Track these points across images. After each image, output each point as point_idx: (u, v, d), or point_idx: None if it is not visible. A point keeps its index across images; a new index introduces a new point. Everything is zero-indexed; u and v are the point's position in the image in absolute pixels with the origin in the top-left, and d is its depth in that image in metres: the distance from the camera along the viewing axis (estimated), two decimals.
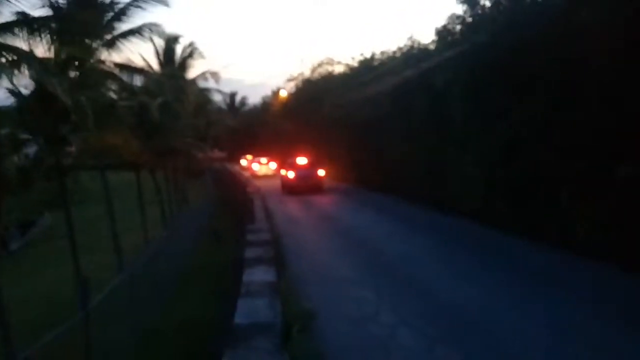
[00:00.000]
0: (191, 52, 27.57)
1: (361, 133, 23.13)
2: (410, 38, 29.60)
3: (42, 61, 10.99)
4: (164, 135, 20.83)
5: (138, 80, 18.92)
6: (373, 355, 5.79)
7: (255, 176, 39.36)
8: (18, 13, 10.46)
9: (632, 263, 7.92)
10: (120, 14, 15.09)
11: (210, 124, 35.80)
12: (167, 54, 27.04)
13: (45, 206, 29.09)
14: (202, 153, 33.24)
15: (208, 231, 19.93)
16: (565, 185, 9.76)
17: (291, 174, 24.53)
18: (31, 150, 14.14)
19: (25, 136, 13.58)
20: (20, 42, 10.60)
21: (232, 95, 71.49)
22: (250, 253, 9.40)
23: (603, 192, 8.82)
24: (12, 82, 10.82)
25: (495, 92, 11.87)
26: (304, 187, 23.54)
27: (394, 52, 28.37)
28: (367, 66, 29.31)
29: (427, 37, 27.64)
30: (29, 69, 9.97)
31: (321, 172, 24.57)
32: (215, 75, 28.34)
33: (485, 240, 11.49)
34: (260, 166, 41.94)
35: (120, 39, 15.02)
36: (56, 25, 11.89)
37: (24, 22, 10.66)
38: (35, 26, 10.97)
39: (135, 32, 15.38)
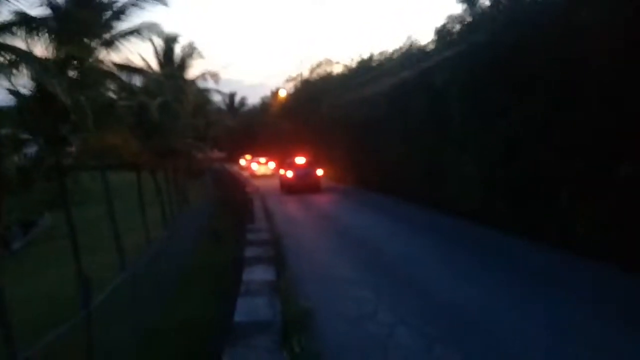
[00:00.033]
0: (190, 52, 27.64)
1: (360, 133, 23.11)
2: (409, 38, 29.66)
3: (41, 61, 10.97)
4: (164, 135, 20.85)
5: (137, 80, 18.99)
6: (371, 355, 5.77)
7: (254, 176, 39.45)
8: (16, 12, 10.46)
9: (632, 263, 7.93)
10: (119, 13, 15.10)
11: (209, 124, 35.85)
12: (166, 53, 27.10)
13: (46, 206, 29.09)
14: (202, 153, 33.31)
15: (208, 231, 19.95)
16: (565, 185, 9.75)
17: (290, 174, 24.73)
18: (31, 150, 14.13)
19: (25, 136, 13.56)
20: (18, 41, 10.63)
21: (232, 96, 71.81)
22: (250, 252, 9.42)
23: (603, 192, 8.81)
24: (11, 82, 10.82)
25: (494, 91, 11.84)
26: (302, 186, 23.78)
27: (393, 53, 28.37)
28: (366, 67, 29.30)
29: (426, 37, 27.71)
30: (28, 69, 9.95)
31: (319, 172, 24.82)
32: (214, 75, 28.46)
33: (485, 240, 11.48)
34: (259, 166, 42.01)
35: (119, 39, 15.01)
36: (55, 24, 11.89)
37: (23, 21, 10.65)
38: (34, 25, 10.96)
39: (134, 31, 15.38)
